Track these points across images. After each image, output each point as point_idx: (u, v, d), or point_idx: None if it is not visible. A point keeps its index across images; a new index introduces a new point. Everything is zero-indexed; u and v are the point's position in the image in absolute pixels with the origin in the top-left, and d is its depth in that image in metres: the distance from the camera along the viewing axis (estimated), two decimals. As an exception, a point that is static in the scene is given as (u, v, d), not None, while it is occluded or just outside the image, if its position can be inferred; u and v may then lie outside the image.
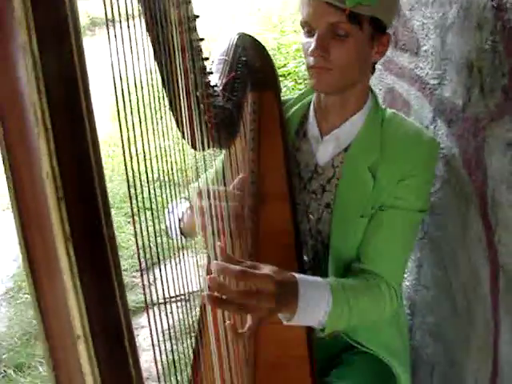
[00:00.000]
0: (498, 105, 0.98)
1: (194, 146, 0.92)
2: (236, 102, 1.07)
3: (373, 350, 1.19)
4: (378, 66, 1.77)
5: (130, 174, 0.53)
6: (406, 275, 1.48)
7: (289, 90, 4.04)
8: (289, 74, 4.36)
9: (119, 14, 0.51)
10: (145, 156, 0.65)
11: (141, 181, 0.60)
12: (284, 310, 0.91)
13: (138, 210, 0.62)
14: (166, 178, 0.83)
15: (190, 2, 0.83)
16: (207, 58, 0.90)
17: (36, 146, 0.34)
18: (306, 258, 1.21)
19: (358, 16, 1.00)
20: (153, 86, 0.73)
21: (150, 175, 0.74)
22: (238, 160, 1.13)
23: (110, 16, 0.48)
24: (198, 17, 0.84)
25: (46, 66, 0.33)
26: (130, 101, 0.53)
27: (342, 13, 0.98)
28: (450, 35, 1.18)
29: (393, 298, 1.08)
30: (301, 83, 4.24)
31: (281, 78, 3.55)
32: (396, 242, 1.10)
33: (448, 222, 1.23)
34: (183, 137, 0.89)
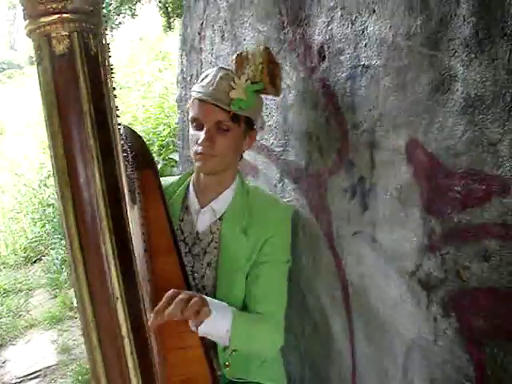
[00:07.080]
0: (335, 163, 1.33)
1: None
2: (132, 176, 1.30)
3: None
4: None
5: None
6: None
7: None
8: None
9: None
10: None
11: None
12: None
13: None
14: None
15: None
16: None
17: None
18: None
19: (237, 116, 1.31)
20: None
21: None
22: (134, 222, 1.29)
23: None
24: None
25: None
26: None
27: (226, 113, 1.29)
28: (290, 113, 1.53)
29: (279, 329, 1.33)
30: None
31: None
32: (272, 288, 1.34)
33: (303, 257, 1.52)
34: None
